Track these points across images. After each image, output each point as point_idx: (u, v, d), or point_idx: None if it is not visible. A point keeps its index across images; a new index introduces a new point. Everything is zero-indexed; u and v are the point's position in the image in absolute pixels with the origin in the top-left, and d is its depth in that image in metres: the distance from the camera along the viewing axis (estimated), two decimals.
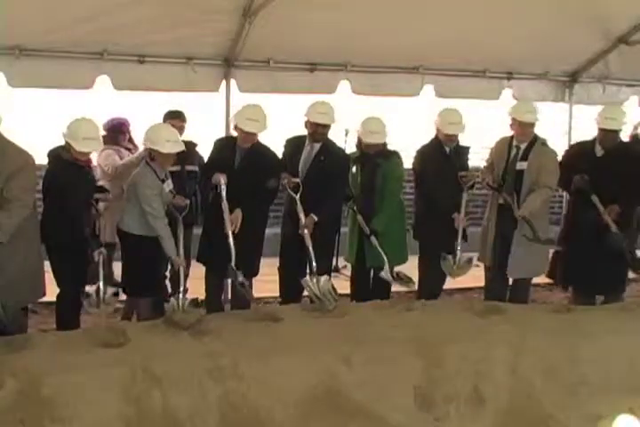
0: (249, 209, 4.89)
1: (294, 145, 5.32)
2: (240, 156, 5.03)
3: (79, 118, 4.57)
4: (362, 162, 5.35)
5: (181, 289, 4.62)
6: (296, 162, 5.25)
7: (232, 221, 4.76)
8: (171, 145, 4.66)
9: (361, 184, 5.35)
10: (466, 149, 5.62)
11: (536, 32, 6.04)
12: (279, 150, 5.33)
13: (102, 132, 6.00)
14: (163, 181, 4.76)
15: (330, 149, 5.25)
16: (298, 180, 5.07)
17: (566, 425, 3.85)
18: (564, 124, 7.33)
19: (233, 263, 4.68)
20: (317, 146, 5.22)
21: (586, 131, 6.26)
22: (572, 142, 6.92)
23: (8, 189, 4.10)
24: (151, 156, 4.75)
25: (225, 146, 5.13)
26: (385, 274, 5.17)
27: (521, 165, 5.39)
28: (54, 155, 4.66)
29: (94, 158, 5.33)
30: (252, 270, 5.08)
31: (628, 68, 6.91)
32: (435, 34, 5.90)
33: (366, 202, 5.32)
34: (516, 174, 5.38)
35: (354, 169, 5.36)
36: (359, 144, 5.39)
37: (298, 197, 4.99)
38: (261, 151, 5.07)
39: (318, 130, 5.15)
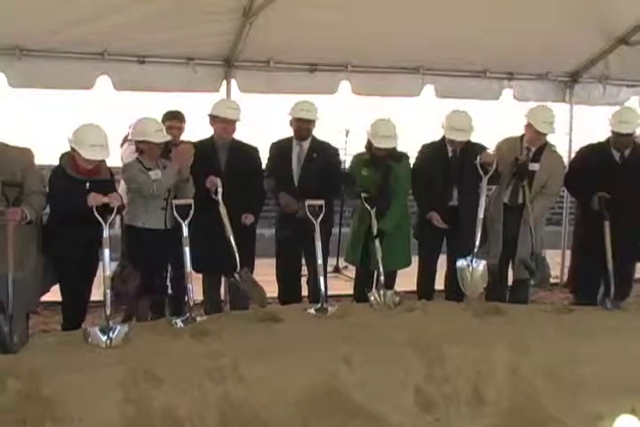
0: (240, 208, 4.91)
1: (281, 147, 5.37)
2: (225, 155, 5.05)
3: (86, 124, 4.39)
4: (374, 164, 5.28)
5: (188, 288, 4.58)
6: (287, 163, 5.29)
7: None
8: (161, 135, 4.69)
9: (376, 186, 5.26)
10: (480, 149, 5.45)
11: (536, 32, 6.04)
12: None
13: (130, 130, 6.06)
14: (149, 169, 4.70)
15: (319, 146, 5.35)
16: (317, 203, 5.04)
17: (566, 425, 3.85)
18: (565, 125, 7.31)
19: (238, 269, 4.70)
20: (306, 145, 5.29)
21: (586, 131, 6.26)
22: (573, 142, 6.96)
23: (28, 185, 4.25)
24: (139, 150, 4.77)
25: (203, 147, 5.07)
26: (373, 289, 5.03)
27: (532, 166, 5.39)
28: (60, 161, 4.50)
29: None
30: (248, 268, 5.07)
31: (628, 68, 6.90)
32: (435, 34, 5.89)
33: (382, 203, 5.24)
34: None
35: (365, 171, 5.30)
36: (369, 146, 5.32)
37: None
38: (245, 148, 5.15)
39: (304, 126, 5.24)
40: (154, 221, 4.71)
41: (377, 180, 5.25)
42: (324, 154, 5.32)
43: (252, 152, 5.20)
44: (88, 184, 4.39)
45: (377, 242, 5.09)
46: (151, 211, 4.70)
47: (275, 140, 5.47)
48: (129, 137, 4.84)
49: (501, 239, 5.45)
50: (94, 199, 4.23)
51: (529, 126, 5.38)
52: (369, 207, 5.13)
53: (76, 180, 4.39)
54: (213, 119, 5.08)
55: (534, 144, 5.42)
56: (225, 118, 5.00)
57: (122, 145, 6.00)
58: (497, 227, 5.48)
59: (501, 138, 5.69)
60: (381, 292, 4.98)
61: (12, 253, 4.03)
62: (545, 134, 5.38)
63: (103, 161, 4.50)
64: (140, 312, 5.01)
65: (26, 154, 4.34)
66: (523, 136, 5.49)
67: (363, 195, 5.18)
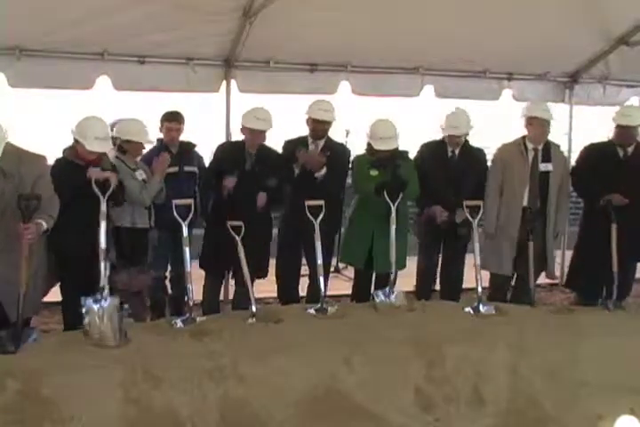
0: (258, 212, 4.97)
1: (296, 145, 5.33)
2: (250, 160, 5.06)
3: (89, 117, 4.47)
4: (381, 165, 5.21)
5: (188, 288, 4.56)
6: None
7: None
8: (143, 135, 4.80)
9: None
10: (478, 152, 5.54)
11: (536, 32, 6.04)
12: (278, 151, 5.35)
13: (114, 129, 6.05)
14: (133, 170, 4.80)
15: (333, 145, 5.38)
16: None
17: (566, 425, 3.85)
18: (565, 125, 7.32)
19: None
20: (321, 143, 5.32)
21: (586, 131, 6.26)
22: (573, 143, 6.97)
23: (39, 192, 4.11)
24: (122, 149, 4.81)
25: (232, 150, 5.14)
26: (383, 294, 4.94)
27: (546, 167, 5.36)
28: (63, 154, 4.59)
29: None
30: (262, 272, 5.10)
31: (628, 68, 6.92)
32: (435, 34, 5.90)
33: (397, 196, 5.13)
34: (539, 176, 5.36)
35: (373, 172, 5.23)
36: (370, 148, 5.28)
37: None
38: (270, 155, 5.14)
39: (320, 127, 5.26)
40: (139, 220, 4.75)
41: (387, 179, 5.15)
42: (335, 153, 5.31)
43: (276, 161, 5.18)
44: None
45: (393, 244, 4.94)
46: (136, 210, 4.73)
47: (289, 138, 5.46)
48: (113, 135, 4.87)
49: (516, 244, 5.33)
50: (93, 172, 4.30)
51: (529, 123, 5.36)
52: (390, 201, 4.96)
53: (79, 165, 4.45)
54: (242, 128, 5.07)
55: (539, 142, 5.38)
56: (252, 129, 4.99)
57: None
58: (511, 231, 5.36)
59: (499, 137, 5.68)
60: (391, 292, 4.90)
61: (26, 272, 3.93)
62: (548, 123, 5.35)
63: (107, 159, 4.59)
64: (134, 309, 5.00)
65: (40, 161, 4.22)
66: (523, 139, 5.44)
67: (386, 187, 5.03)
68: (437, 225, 5.39)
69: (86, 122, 4.42)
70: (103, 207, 4.22)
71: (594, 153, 5.51)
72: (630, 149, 5.39)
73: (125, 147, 4.81)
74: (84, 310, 4.04)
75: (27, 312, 4.08)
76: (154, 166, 4.92)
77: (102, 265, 4.18)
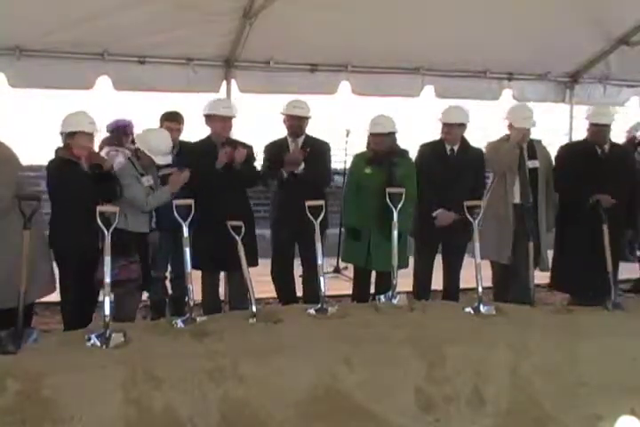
0: (239, 203, 5.02)
1: (277, 147, 5.37)
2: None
3: (73, 113, 4.56)
4: (377, 162, 5.22)
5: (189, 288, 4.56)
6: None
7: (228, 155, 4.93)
8: (161, 157, 4.76)
9: (380, 183, 5.17)
10: (476, 151, 5.54)
11: (537, 33, 6.05)
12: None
13: (106, 134, 6.04)
14: (142, 175, 4.76)
15: (312, 140, 5.40)
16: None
17: (566, 425, 3.85)
18: (565, 125, 7.32)
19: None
20: (300, 141, 5.35)
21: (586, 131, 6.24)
22: None
23: None
24: (137, 154, 4.81)
25: (202, 145, 5.17)
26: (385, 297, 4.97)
27: (533, 164, 5.43)
28: (56, 154, 4.61)
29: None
30: (252, 261, 5.07)
31: (628, 68, 6.93)
32: (435, 34, 5.90)
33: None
34: (528, 173, 5.40)
35: (368, 170, 5.25)
36: (368, 144, 5.31)
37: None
38: (239, 144, 5.13)
39: (295, 123, 5.30)
40: (138, 224, 4.69)
41: (380, 178, 5.17)
42: (316, 147, 5.34)
43: (247, 145, 5.19)
44: (88, 166, 4.51)
45: (395, 248, 4.94)
46: (135, 214, 4.68)
47: (268, 143, 5.46)
48: (136, 145, 4.87)
49: (512, 239, 5.36)
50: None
51: (511, 126, 5.43)
52: (392, 206, 4.96)
53: (75, 162, 4.49)
54: (210, 118, 5.11)
55: (522, 141, 5.43)
56: (222, 116, 5.05)
57: (101, 148, 5.94)
58: (507, 227, 5.39)
59: (499, 137, 5.67)
60: (393, 296, 4.91)
61: (25, 273, 3.98)
62: (527, 129, 5.41)
63: (99, 154, 4.72)
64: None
65: (10, 153, 4.31)
66: (508, 136, 5.48)
67: (388, 190, 5.02)
68: (434, 226, 5.37)
69: (72, 116, 4.55)
70: (107, 240, 4.14)
71: (573, 152, 5.58)
72: (607, 147, 5.47)
73: (141, 155, 4.77)
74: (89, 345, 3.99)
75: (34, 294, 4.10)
76: (172, 180, 4.83)
77: (106, 300, 4.07)
